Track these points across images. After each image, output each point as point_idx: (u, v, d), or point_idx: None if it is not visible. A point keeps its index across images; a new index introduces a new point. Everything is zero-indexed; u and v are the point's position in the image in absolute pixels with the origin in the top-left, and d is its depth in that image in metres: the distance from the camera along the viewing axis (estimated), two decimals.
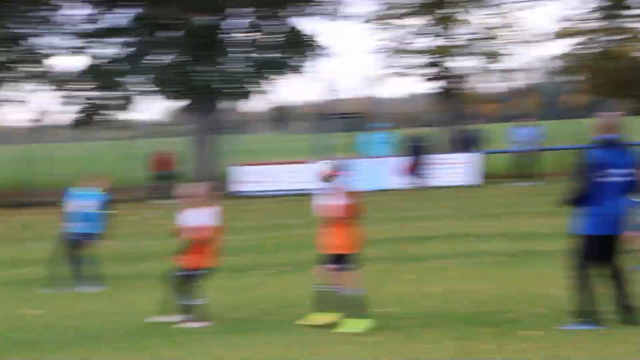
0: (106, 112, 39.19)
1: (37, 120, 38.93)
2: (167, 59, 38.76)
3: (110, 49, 39.02)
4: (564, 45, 39.54)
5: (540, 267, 14.27)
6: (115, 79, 38.17)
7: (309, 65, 39.09)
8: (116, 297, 13.62)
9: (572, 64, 40.09)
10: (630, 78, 39.84)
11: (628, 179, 9.98)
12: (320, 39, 37.57)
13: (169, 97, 39.38)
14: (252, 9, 38.25)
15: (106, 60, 38.89)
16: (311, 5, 38.64)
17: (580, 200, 10.00)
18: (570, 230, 10.25)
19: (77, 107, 39.33)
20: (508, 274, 13.74)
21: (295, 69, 39.00)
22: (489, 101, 44.01)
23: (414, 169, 33.12)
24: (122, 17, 38.68)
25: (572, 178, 10.16)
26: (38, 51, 38.12)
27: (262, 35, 39.06)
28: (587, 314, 10.03)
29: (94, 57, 39.01)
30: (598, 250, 10.00)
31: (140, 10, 36.79)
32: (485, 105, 46.35)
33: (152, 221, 26.75)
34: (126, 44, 38.51)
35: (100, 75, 37.84)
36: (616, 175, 9.94)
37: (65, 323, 11.75)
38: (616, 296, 10.10)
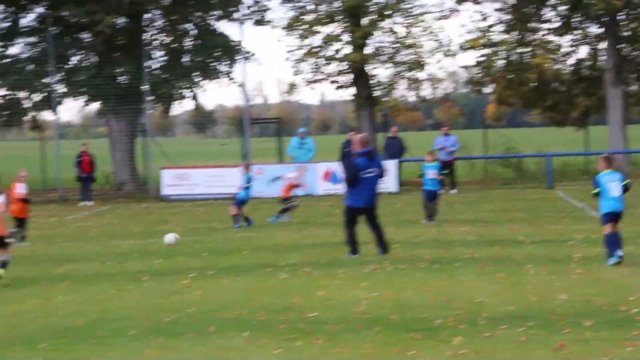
0: (19, 112, 38.77)
1: None
2: (85, 60, 38.53)
3: (24, 49, 38.67)
4: (474, 57, 40.42)
5: (462, 273, 14.62)
6: (31, 78, 37.75)
7: (233, 69, 39.21)
8: (41, 298, 13.54)
9: (482, 75, 40.82)
10: (539, 89, 40.79)
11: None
12: (244, 44, 37.79)
13: (87, 98, 39.07)
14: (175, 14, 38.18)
15: (24, 60, 38.45)
16: (234, 10, 38.73)
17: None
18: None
19: None
20: (433, 280, 14.03)
21: (219, 74, 39.03)
22: (408, 109, 44.45)
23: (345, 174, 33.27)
24: (35, 17, 38.37)
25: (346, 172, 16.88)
26: None
27: (187, 39, 39.07)
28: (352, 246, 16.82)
29: (7, 56, 38.62)
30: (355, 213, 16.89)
31: (54, 10, 36.44)
32: (405, 114, 46.86)
33: (72, 223, 26.56)
34: (40, 44, 38.13)
35: (13, 74, 37.41)
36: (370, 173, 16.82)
37: None
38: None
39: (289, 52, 40.14)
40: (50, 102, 37.57)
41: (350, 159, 17.08)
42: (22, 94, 38.62)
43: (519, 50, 40.12)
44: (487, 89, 42.77)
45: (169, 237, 19.48)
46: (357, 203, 16.93)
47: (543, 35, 40.36)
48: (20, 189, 21.04)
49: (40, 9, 38.53)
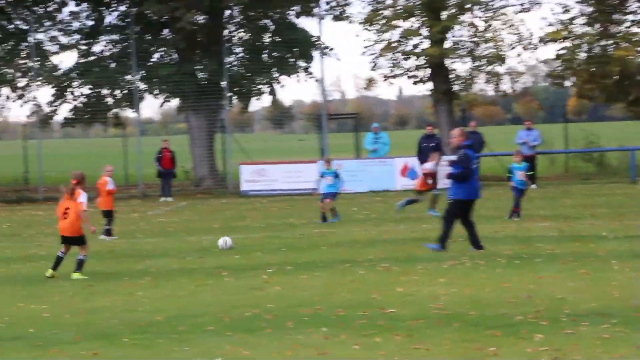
0: (103, 109, 39.40)
1: (34, 117, 39.12)
2: (165, 57, 38.98)
3: (107, 47, 39.31)
4: (555, 50, 39.79)
5: (543, 269, 14.44)
6: (113, 76, 38.36)
7: (311, 65, 39.27)
8: (122, 294, 13.73)
9: (563, 68, 40.19)
10: (622, 82, 39.96)
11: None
12: (323, 39, 37.83)
13: (167, 95, 39.51)
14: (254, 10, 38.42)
15: (107, 58, 39.08)
16: (314, 6, 38.80)
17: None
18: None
19: (72, 104, 39.55)
20: (512, 276, 13.87)
21: (297, 69, 39.14)
22: (487, 104, 44.02)
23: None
24: (118, 15, 38.98)
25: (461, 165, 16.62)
26: (41, 47, 38.40)
27: (265, 34, 39.27)
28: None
29: (91, 54, 39.30)
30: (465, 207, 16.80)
31: (136, 8, 36.97)
32: (483, 108, 46.41)
33: (153, 219, 26.90)
34: (123, 42, 38.72)
35: (97, 72, 38.04)
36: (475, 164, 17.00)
37: (70, 319, 11.86)
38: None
39: (366, 47, 40.10)
40: (132, 99, 38.13)
41: (460, 152, 16.83)
42: (104, 91, 39.27)
43: (602, 42, 39.42)
44: (568, 83, 42.13)
45: (222, 242, 18.78)
46: (470, 195, 16.89)
47: (627, 27, 39.58)
48: (109, 184, 21.59)
49: (123, 7, 39.12)
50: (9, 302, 13.36)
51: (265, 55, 39.36)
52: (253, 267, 15.88)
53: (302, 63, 39.24)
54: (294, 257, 17.04)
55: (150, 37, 38.77)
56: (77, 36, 39.61)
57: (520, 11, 39.92)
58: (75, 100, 39.39)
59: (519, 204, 22.51)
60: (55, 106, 39.39)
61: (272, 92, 39.80)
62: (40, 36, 39.34)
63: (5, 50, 39.13)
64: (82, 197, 15.71)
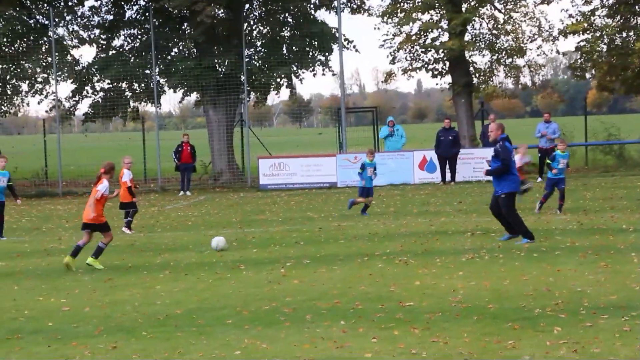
0: (122, 103, 39.49)
1: (54, 111, 39.26)
2: (184, 51, 39.01)
3: (126, 41, 39.39)
4: (575, 42, 39.53)
5: (562, 262, 14.39)
6: (133, 70, 38.42)
7: (330, 58, 39.22)
8: (142, 288, 13.78)
9: (582, 60, 39.95)
10: None
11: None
12: (342, 33, 37.70)
13: (186, 89, 39.54)
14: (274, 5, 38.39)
15: (127, 52, 39.17)
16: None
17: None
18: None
19: (92, 99, 39.66)
20: (531, 269, 13.83)
21: (316, 62, 39.09)
22: (507, 96, 43.84)
23: (444, 163, 33.06)
24: (138, 9, 39.04)
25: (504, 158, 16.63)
26: (62, 42, 38.54)
27: (284, 28, 39.21)
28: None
29: (111, 48, 39.39)
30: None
31: (155, 2, 37.00)
32: (503, 101, 46.24)
33: (173, 212, 26.97)
34: (142, 36, 38.78)
35: (116, 66, 38.12)
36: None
37: (90, 313, 11.92)
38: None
39: (385, 40, 40.03)
40: (151, 93, 38.19)
41: (498, 145, 16.85)
42: (124, 86, 39.36)
43: (623, 34, 39.17)
44: (588, 75, 41.90)
45: (216, 242, 17.88)
46: (517, 186, 17.22)
47: None
48: (125, 177, 21.56)
49: (142, 2, 39.19)
50: (28, 296, 13.44)
51: (284, 48, 39.33)
52: (271, 261, 15.90)
53: (321, 56, 39.21)
54: (312, 250, 17.05)
55: (169, 31, 38.84)
56: (97, 31, 39.73)
57: (541, 3, 39.75)
58: (95, 94, 39.52)
59: (555, 195, 22.14)
60: (75, 101, 39.53)
61: (291, 86, 39.80)
62: (60, 31, 39.52)
63: (26, 45, 39.29)
64: (101, 185, 15.84)
